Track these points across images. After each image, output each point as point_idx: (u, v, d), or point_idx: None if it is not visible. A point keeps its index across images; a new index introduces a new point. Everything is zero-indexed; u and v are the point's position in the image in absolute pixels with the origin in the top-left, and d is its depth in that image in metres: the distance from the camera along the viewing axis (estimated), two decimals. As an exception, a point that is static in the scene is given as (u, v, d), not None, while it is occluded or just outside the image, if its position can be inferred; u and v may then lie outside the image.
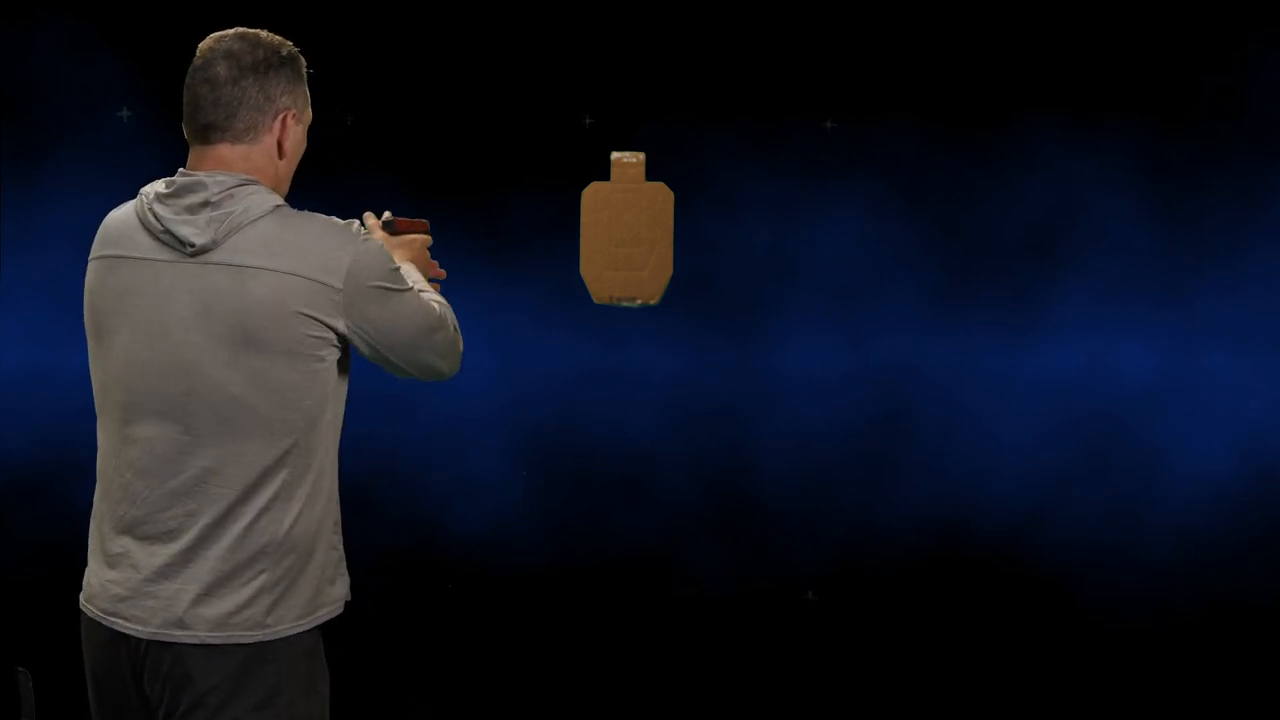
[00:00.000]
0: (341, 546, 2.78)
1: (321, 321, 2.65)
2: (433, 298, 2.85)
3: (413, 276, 2.89)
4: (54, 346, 4.77)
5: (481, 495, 4.80)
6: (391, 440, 4.84)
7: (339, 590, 2.76)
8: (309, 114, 2.77)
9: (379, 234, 2.99)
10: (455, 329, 2.83)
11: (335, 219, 2.76)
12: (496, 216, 4.76)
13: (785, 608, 4.77)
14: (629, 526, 4.77)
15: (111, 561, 2.72)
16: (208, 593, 2.64)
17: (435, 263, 3.11)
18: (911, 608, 4.71)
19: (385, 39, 4.70)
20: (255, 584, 2.65)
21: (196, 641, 2.64)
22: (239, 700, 2.65)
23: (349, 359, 2.74)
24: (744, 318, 4.73)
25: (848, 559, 4.73)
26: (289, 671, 2.68)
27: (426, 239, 3.06)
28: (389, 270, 2.71)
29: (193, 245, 2.67)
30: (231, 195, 2.67)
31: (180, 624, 2.65)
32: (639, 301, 3.42)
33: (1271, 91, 4.50)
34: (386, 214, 3.06)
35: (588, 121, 4.73)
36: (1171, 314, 4.57)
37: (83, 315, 2.83)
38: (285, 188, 2.77)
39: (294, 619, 2.67)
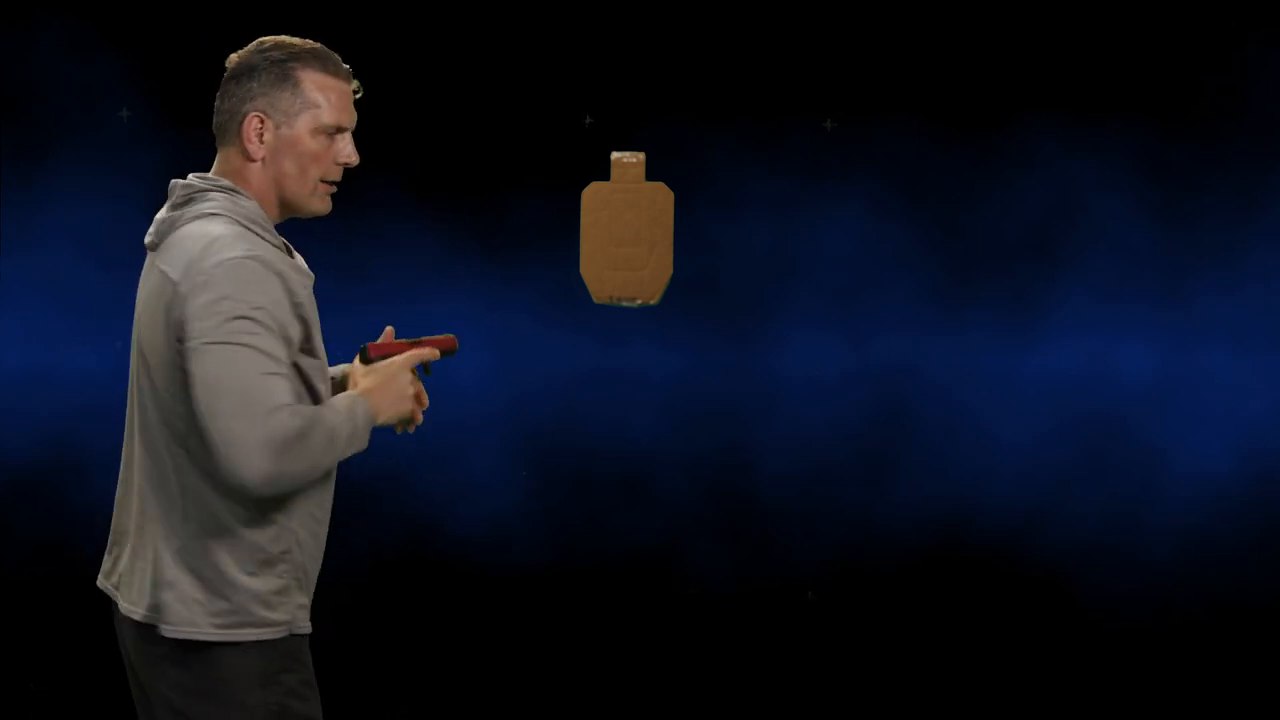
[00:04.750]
0: (291, 575, 2.72)
1: (178, 324, 2.63)
2: (283, 403, 2.56)
3: (340, 410, 2.65)
4: (54, 346, 4.77)
5: (481, 495, 4.80)
6: (391, 440, 4.84)
7: (278, 615, 2.70)
8: (304, 120, 2.72)
9: (357, 364, 2.83)
10: (278, 440, 2.53)
11: (236, 229, 2.66)
12: (496, 216, 4.76)
13: (785, 608, 4.77)
14: (629, 526, 4.77)
15: (112, 542, 2.86)
16: (151, 583, 2.71)
17: (418, 391, 2.80)
18: (911, 608, 4.71)
19: (385, 39, 4.70)
20: (163, 578, 2.69)
21: (139, 619, 2.72)
22: (174, 689, 2.71)
23: None
24: (744, 318, 4.73)
25: (848, 559, 4.73)
26: (218, 681, 2.68)
27: (412, 355, 2.80)
28: (230, 305, 2.57)
29: (149, 246, 2.75)
30: (192, 199, 2.72)
31: (132, 606, 2.74)
32: (639, 301, 3.42)
33: (1271, 91, 4.50)
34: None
35: (588, 121, 4.73)
36: (1171, 314, 4.57)
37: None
38: (282, 193, 2.74)
39: (225, 625, 2.67)
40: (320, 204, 2.78)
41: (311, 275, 2.78)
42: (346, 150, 2.76)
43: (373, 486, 4.72)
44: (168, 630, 2.67)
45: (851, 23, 4.64)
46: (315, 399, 2.70)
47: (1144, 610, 4.61)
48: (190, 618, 2.66)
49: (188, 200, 2.72)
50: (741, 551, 4.77)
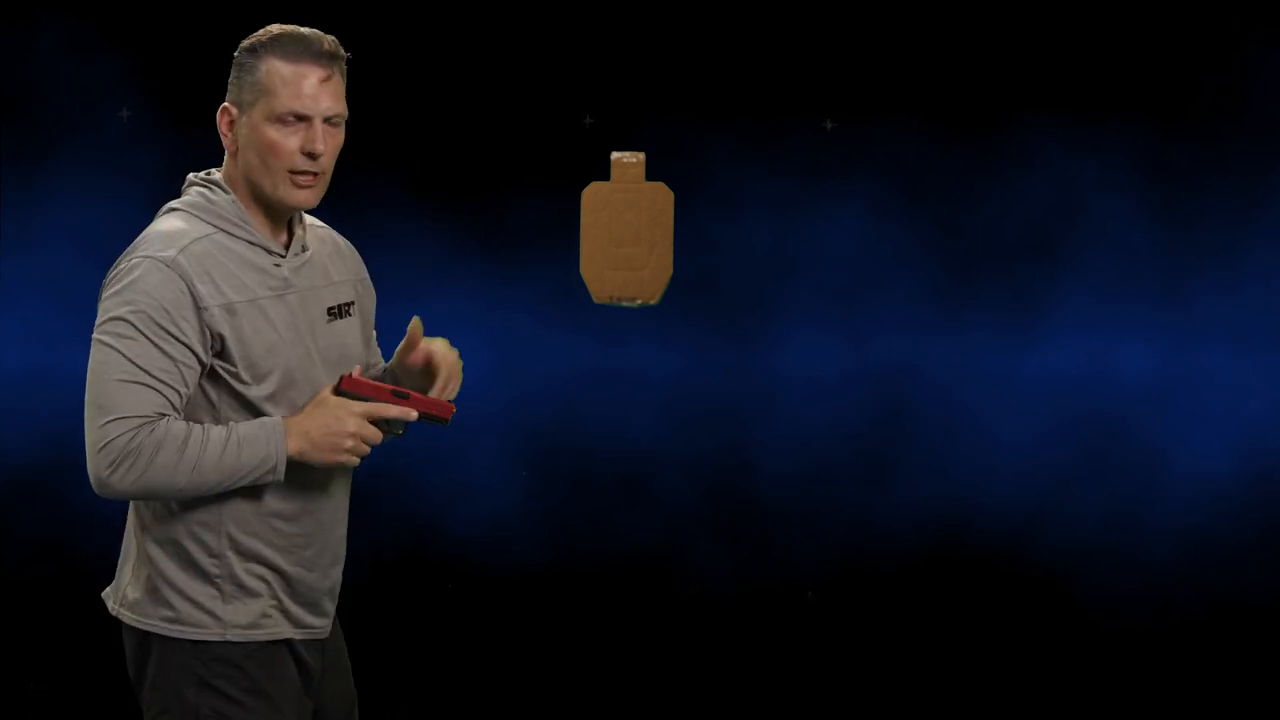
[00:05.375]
0: (230, 582, 2.69)
1: None
2: (126, 415, 2.53)
3: (232, 437, 2.59)
4: (54, 346, 4.77)
5: (481, 495, 4.80)
6: (391, 440, 4.84)
7: (209, 619, 2.68)
8: (259, 109, 2.64)
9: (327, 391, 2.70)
10: (110, 449, 2.54)
11: (180, 226, 2.65)
12: (496, 216, 4.76)
13: (785, 608, 4.77)
14: (629, 526, 4.77)
15: None
16: (119, 570, 2.80)
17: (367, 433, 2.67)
18: (911, 608, 4.71)
19: (384, 39, 4.70)
20: (128, 569, 2.76)
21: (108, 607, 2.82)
22: (135, 676, 2.78)
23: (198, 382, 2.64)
24: (744, 318, 4.73)
25: (848, 559, 4.73)
26: (159, 672, 2.71)
27: (378, 407, 2.69)
28: (114, 303, 2.60)
29: None
30: (180, 193, 2.75)
31: (110, 590, 2.83)
32: (639, 301, 3.42)
33: (1271, 91, 4.50)
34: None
35: (588, 121, 4.73)
36: (1171, 314, 4.57)
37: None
38: (252, 186, 2.68)
39: (160, 619, 2.70)
40: (291, 196, 2.66)
41: (281, 279, 2.69)
42: (311, 139, 2.64)
43: (373, 486, 4.72)
44: (121, 615, 2.75)
45: (851, 23, 4.64)
46: (246, 416, 2.64)
47: (1144, 610, 4.61)
48: (136, 605, 2.71)
49: (181, 193, 2.74)
50: (741, 551, 4.77)
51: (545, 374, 4.79)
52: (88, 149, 4.81)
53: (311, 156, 2.65)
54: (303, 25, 2.73)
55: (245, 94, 2.65)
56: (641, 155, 3.40)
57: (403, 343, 2.85)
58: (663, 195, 3.38)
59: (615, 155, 3.40)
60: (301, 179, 2.67)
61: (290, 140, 2.64)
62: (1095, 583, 4.62)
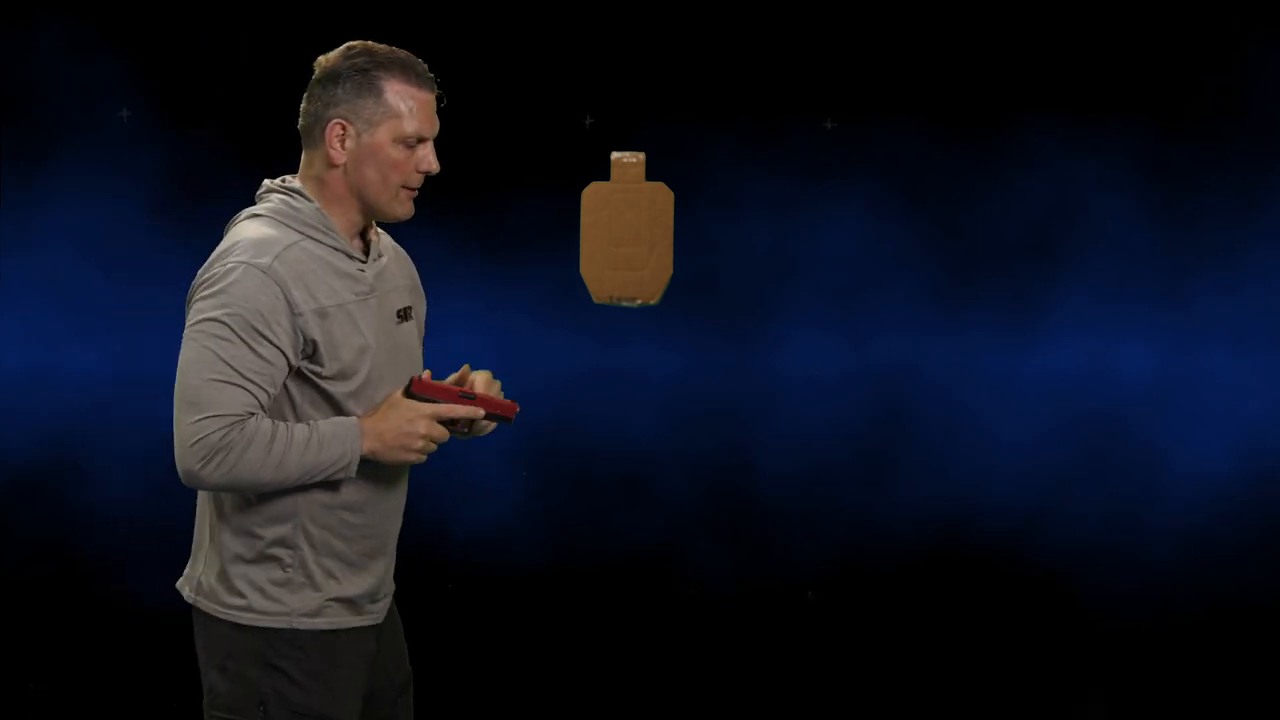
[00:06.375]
0: (299, 571, 2.81)
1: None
2: (219, 413, 2.64)
3: (313, 436, 2.71)
4: (54, 346, 4.77)
5: (481, 495, 4.80)
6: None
7: (276, 606, 2.80)
8: (385, 128, 2.78)
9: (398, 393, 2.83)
10: (201, 445, 2.65)
11: (270, 233, 2.74)
12: (496, 216, 4.76)
13: (785, 608, 4.77)
14: (629, 526, 4.77)
15: None
16: (191, 556, 2.90)
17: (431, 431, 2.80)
18: (911, 608, 4.71)
19: (383, 39, 4.69)
20: (201, 558, 2.86)
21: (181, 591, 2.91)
22: (202, 655, 2.87)
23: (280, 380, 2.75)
24: (744, 318, 4.73)
25: (848, 559, 4.73)
26: (227, 654, 2.81)
27: (447, 408, 2.83)
28: (210, 305, 2.68)
29: None
30: (260, 198, 2.84)
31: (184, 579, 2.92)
32: (639, 301, 3.42)
33: (1271, 91, 4.50)
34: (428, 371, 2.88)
35: (588, 121, 4.73)
36: (1171, 314, 4.57)
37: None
38: (364, 198, 2.81)
39: (233, 607, 2.80)
40: (401, 209, 2.86)
41: (367, 284, 2.82)
42: (428, 159, 2.82)
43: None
44: (198, 603, 2.84)
45: (851, 23, 4.64)
46: (327, 410, 2.77)
47: (1144, 610, 4.61)
48: (212, 593, 2.81)
49: (258, 199, 2.83)
50: (741, 551, 4.77)
51: (545, 374, 4.79)
52: (88, 149, 4.81)
53: (426, 174, 2.85)
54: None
55: (365, 112, 2.77)
56: (641, 155, 3.40)
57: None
58: (663, 195, 3.38)
59: (615, 155, 3.39)
60: (411, 193, 2.86)
61: (409, 159, 2.82)
62: (1095, 583, 4.62)
